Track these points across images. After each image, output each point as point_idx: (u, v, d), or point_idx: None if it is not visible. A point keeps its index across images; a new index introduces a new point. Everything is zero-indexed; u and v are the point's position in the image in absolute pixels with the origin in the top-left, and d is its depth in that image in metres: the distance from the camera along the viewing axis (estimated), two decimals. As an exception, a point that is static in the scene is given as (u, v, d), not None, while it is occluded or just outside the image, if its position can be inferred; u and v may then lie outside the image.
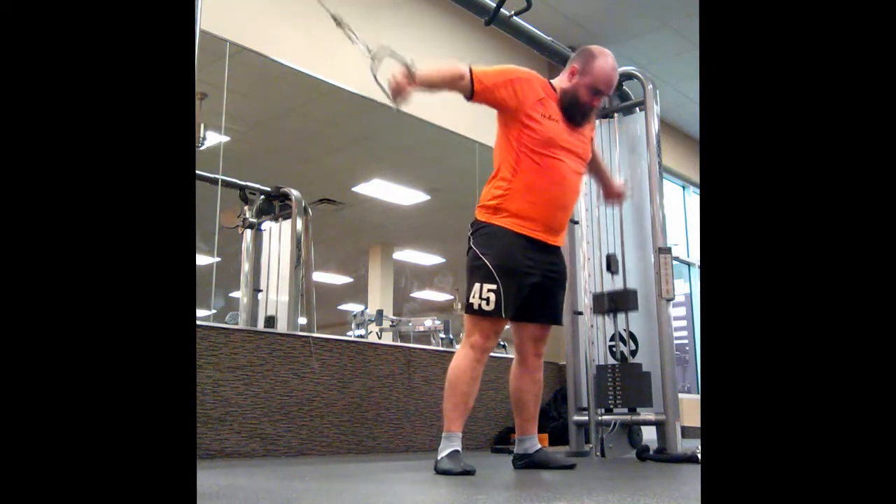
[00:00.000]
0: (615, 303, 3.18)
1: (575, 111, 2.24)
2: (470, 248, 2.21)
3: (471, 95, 2.16)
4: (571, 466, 2.25)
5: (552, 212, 2.20)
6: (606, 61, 2.25)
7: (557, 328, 2.45)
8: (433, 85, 2.15)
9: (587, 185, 3.46)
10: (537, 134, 2.16)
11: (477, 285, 2.14)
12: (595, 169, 2.54)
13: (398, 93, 2.04)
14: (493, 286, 2.11)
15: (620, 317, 3.22)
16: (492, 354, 2.29)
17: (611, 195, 2.61)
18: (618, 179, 2.58)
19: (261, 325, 3.93)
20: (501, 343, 4.97)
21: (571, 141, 2.24)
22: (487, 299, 2.11)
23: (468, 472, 2.00)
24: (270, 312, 4.00)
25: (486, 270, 2.13)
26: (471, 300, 2.15)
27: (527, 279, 2.17)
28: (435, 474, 2.03)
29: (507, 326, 2.33)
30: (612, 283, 3.25)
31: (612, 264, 3.25)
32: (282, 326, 3.91)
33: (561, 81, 2.29)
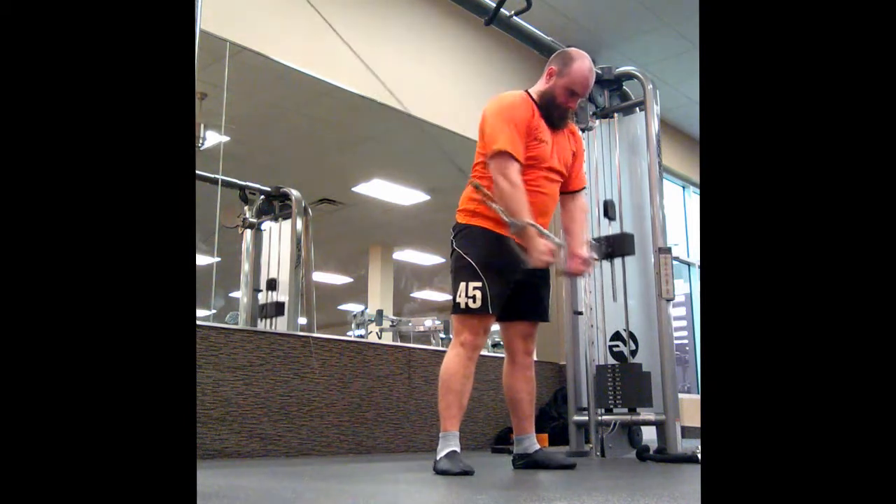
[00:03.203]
0: (612, 247, 3.19)
1: (552, 112, 2.28)
2: (453, 250, 2.25)
3: (522, 165, 2.17)
4: (571, 466, 2.26)
5: (532, 217, 2.21)
6: (584, 63, 2.27)
7: (557, 328, 2.46)
8: (519, 198, 2.11)
9: (588, 164, 3.45)
10: (530, 153, 2.20)
11: (462, 284, 2.18)
12: (569, 223, 2.41)
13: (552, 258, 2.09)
14: (479, 283, 2.15)
15: (618, 265, 3.23)
16: (492, 354, 2.29)
17: (571, 264, 2.26)
18: (584, 249, 2.27)
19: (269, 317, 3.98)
20: (501, 343, 4.97)
21: (554, 161, 2.28)
22: (474, 297, 2.15)
23: (467, 473, 2.01)
24: (281, 299, 4.02)
25: (470, 269, 2.17)
26: (457, 300, 2.19)
27: (510, 276, 2.21)
28: (434, 475, 2.03)
29: (495, 327, 2.34)
30: (609, 229, 3.28)
31: (609, 210, 3.28)
32: (281, 326, 3.91)
33: (539, 84, 2.32)
